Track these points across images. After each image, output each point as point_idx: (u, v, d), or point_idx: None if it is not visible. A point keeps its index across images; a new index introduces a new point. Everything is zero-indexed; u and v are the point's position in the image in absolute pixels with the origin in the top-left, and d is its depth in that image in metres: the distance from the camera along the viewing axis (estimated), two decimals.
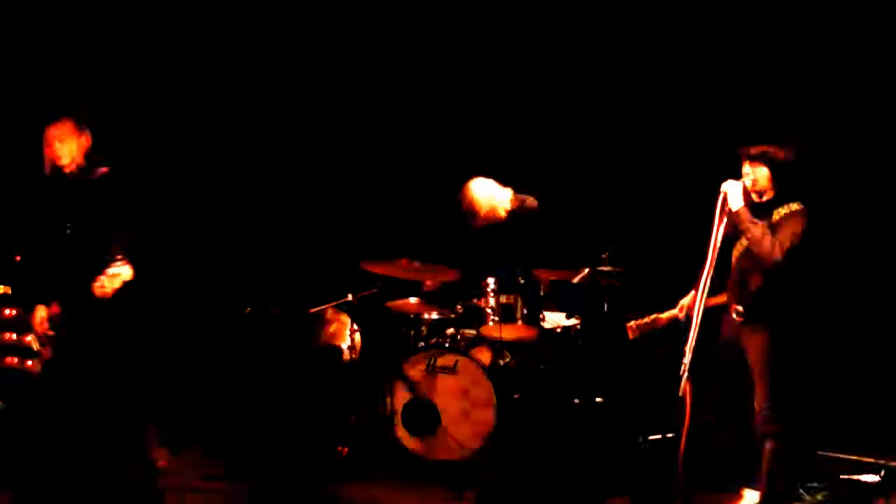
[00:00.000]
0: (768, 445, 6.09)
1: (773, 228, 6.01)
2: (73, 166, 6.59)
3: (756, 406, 6.10)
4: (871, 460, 6.94)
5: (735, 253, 6.20)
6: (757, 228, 5.96)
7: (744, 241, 6.10)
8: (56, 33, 9.03)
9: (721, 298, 6.31)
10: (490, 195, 7.72)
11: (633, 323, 6.65)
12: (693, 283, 6.15)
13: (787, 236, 5.97)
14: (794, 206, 6.07)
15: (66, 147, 6.62)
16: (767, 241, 5.94)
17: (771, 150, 6.05)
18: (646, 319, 6.59)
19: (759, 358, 6.06)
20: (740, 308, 6.13)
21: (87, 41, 9.01)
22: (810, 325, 6.25)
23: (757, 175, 6.06)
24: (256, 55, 9.06)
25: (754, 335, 6.07)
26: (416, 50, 8.90)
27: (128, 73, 9.10)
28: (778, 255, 5.94)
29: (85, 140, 6.64)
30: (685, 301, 6.47)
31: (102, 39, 9.03)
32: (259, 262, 9.05)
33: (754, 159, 6.07)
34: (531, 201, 7.78)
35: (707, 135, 7.91)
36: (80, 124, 6.64)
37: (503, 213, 7.73)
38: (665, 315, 6.52)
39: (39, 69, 8.93)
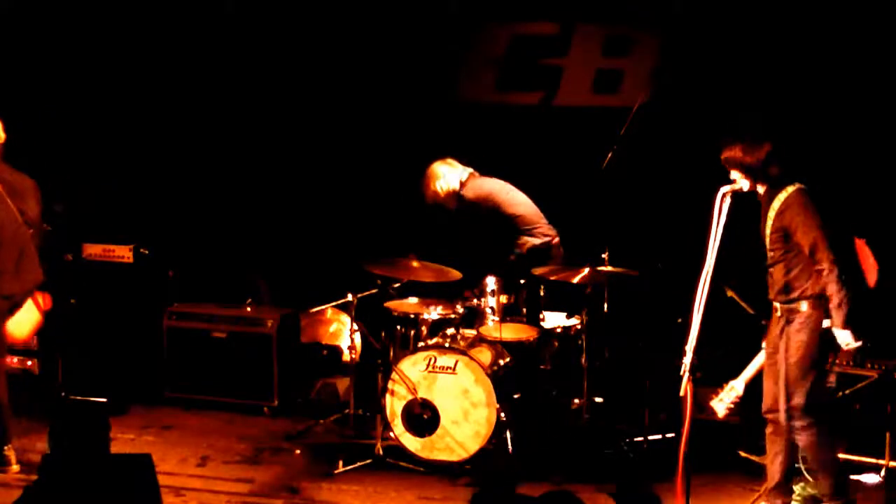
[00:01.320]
0: (801, 441, 6.09)
1: (779, 217, 6.01)
2: None
3: (781, 403, 6.09)
4: (872, 460, 6.95)
5: (767, 250, 6.18)
6: (839, 294, 5.92)
7: (768, 235, 6.08)
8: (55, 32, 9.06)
9: None
10: (435, 175, 7.83)
11: (717, 405, 6.43)
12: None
13: (811, 229, 5.94)
14: (790, 189, 6.06)
15: None
16: (834, 277, 5.91)
17: (730, 154, 6.05)
18: (728, 395, 6.38)
19: (786, 350, 6.06)
20: (776, 304, 6.14)
21: (85, 39, 9.04)
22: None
23: (735, 178, 6.08)
24: (257, 59, 9.08)
25: (787, 327, 6.08)
26: (418, 50, 8.91)
27: (128, 74, 9.12)
28: (831, 254, 5.92)
29: None
30: (750, 375, 6.39)
31: (100, 38, 9.06)
32: (259, 261, 9.06)
33: (726, 164, 6.11)
34: (486, 193, 7.78)
35: (707, 134, 7.91)
36: None
37: (431, 194, 7.83)
38: (741, 382, 6.37)
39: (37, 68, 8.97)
